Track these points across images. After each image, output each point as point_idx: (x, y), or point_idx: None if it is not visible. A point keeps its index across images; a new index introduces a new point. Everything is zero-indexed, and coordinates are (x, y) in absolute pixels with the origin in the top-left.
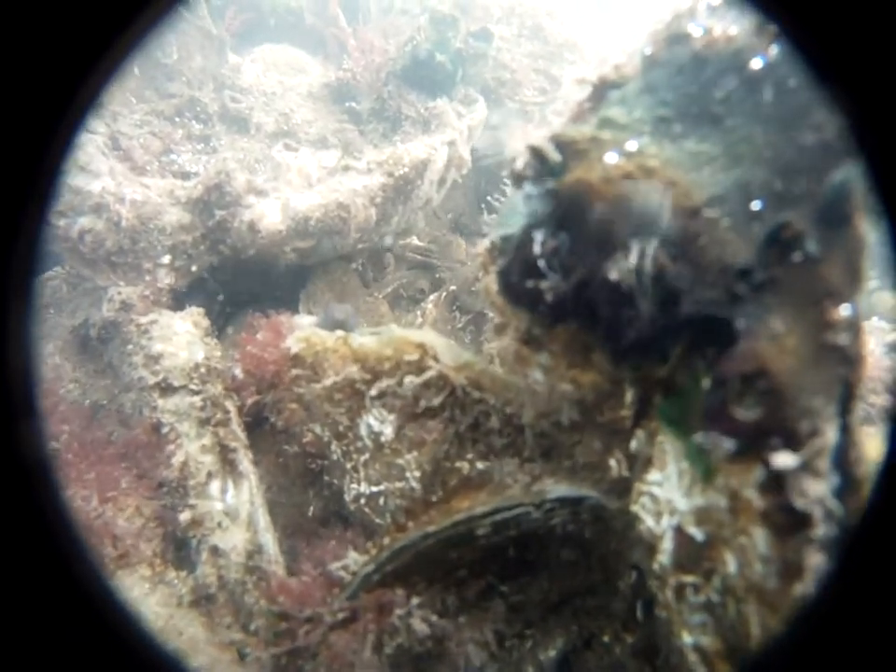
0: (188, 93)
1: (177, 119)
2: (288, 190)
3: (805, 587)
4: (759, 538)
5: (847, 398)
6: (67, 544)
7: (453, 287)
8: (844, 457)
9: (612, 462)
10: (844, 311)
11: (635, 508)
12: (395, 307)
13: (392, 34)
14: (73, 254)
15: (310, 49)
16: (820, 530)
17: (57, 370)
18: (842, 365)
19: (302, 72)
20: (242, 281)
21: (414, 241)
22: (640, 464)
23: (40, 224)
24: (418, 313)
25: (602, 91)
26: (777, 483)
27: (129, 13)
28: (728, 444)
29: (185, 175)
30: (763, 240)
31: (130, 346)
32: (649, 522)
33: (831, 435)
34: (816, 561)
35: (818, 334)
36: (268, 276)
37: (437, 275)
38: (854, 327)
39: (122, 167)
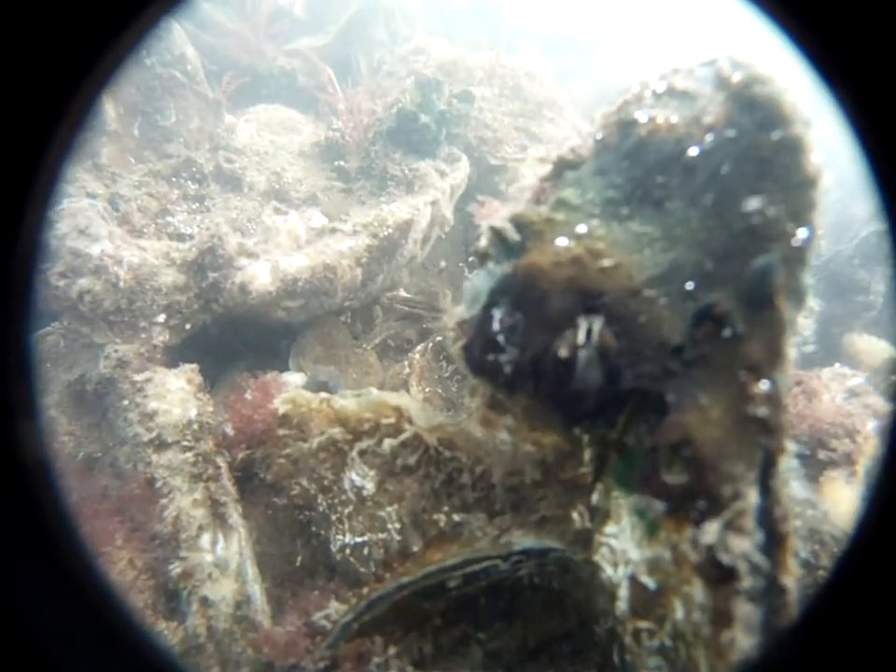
0: (184, 154)
1: (174, 180)
2: (278, 253)
3: (733, 634)
4: (697, 588)
5: (768, 463)
6: (67, 542)
7: (439, 338)
8: (768, 516)
9: (575, 515)
10: (764, 385)
11: (596, 557)
12: (383, 357)
13: (379, 95)
14: (72, 312)
15: (302, 107)
16: (747, 582)
17: (53, 423)
18: (762, 434)
19: (294, 131)
20: (234, 335)
21: (402, 293)
22: (600, 517)
23: (39, 227)
24: (406, 363)
25: (560, 169)
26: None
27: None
28: (659, 506)
29: (180, 237)
30: (692, 319)
31: (125, 402)
32: (608, 571)
33: (752, 498)
34: (744, 610)
35: (740, 407)
36: (259, 331)
37: (424, 325)
38: (774, 400)
39: (121, 230)
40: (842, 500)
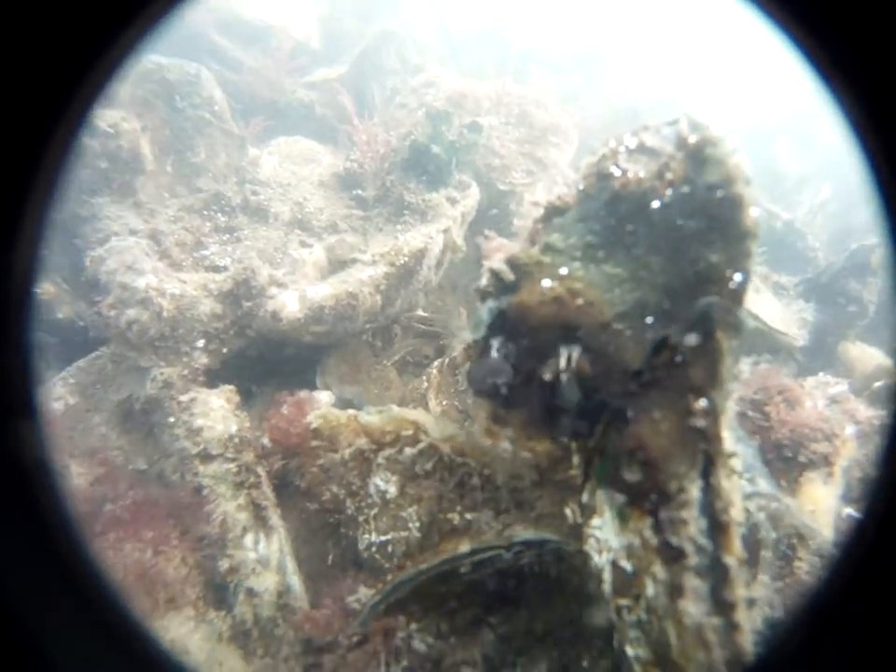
0: (214, 187)
1: (205, 213)
2: (304, 283)
3: (685, 603)
4: (658, 567)
5: (708, 464)
6: (66, 541)
7: (455, 354)
8: (710, 507)
9: (568, 511)
10: (703, 402)
11: (586, 547)
12: (402, 372)
13: (392, 126)
14: (121, 339)
15: (320, 137)
16: (693, 560)
17: (104, 439)
18: (702, 441)
19: (314, 161)
20: (266, 357)
21: (419, 312)
22: (588, 512)
23: (37, 232)
24: (424, 378)
25: (550, 215)
26: (660, 526)
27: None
28: (620, 498)
29: (215, 268)
30: (650, 348)
31: (172, 419)
32: (595, 558)
33: (694, 492)
34: (693, 584)
35: (684, 419)
36: (289, 352)
37: (440, 342)
38: (712, 414)
39: (162, 265)
40: (819, 499)
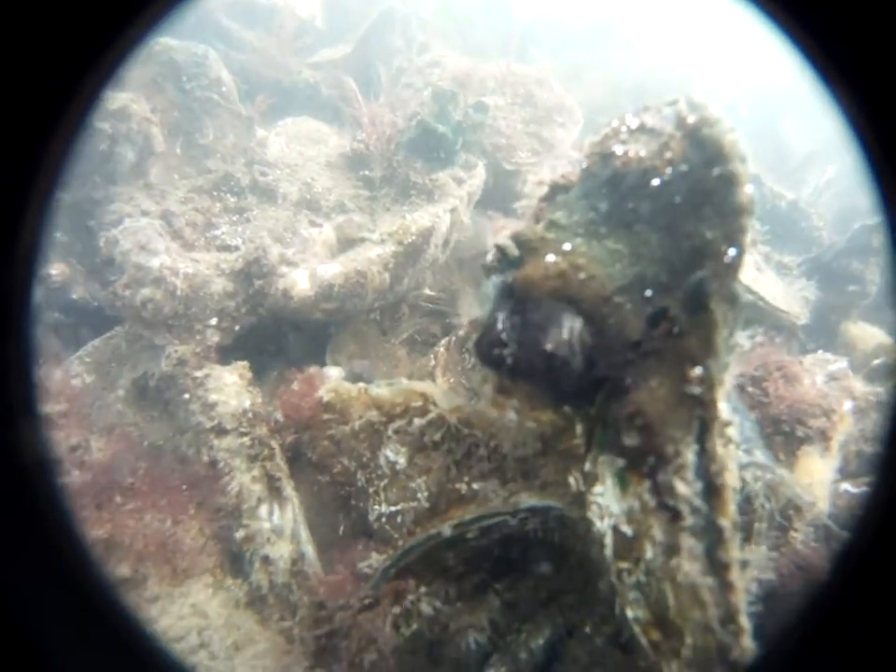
0: (222, 168)
1: (215, 193)
2: (314, 261)
3: (680, 561)
4: (657, 529)
5: (703, 430)
6: (66, 541)
7: (461, 332)
8: (705, 470)
9: (571, 480)
10: (698, 371)
11: (589, 514)
12: (410, 351)
13: (399, 106)
14: (135, 318)
15: (326, 117)
16: (688, 521)
17: (121, 415)
18: (697, 407)
19: (321, 142)
20: (278, 335)
21: (426, 291)
22: (590, 480)
23: (39, 229)
24: (431, 356)
25: (554, 193)
26: (658, 488)
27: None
28: (620, 462)
29: (226, 248)
30: (648, 320)
31: (187, 396)
32: (598, 524)
33: (689, 455)
34: (689, 543)
35: (680, 387)
36: (299, 330)
37: (447, 321)
38: (706, 381)
39: (176, 245)
40: (816, 472)
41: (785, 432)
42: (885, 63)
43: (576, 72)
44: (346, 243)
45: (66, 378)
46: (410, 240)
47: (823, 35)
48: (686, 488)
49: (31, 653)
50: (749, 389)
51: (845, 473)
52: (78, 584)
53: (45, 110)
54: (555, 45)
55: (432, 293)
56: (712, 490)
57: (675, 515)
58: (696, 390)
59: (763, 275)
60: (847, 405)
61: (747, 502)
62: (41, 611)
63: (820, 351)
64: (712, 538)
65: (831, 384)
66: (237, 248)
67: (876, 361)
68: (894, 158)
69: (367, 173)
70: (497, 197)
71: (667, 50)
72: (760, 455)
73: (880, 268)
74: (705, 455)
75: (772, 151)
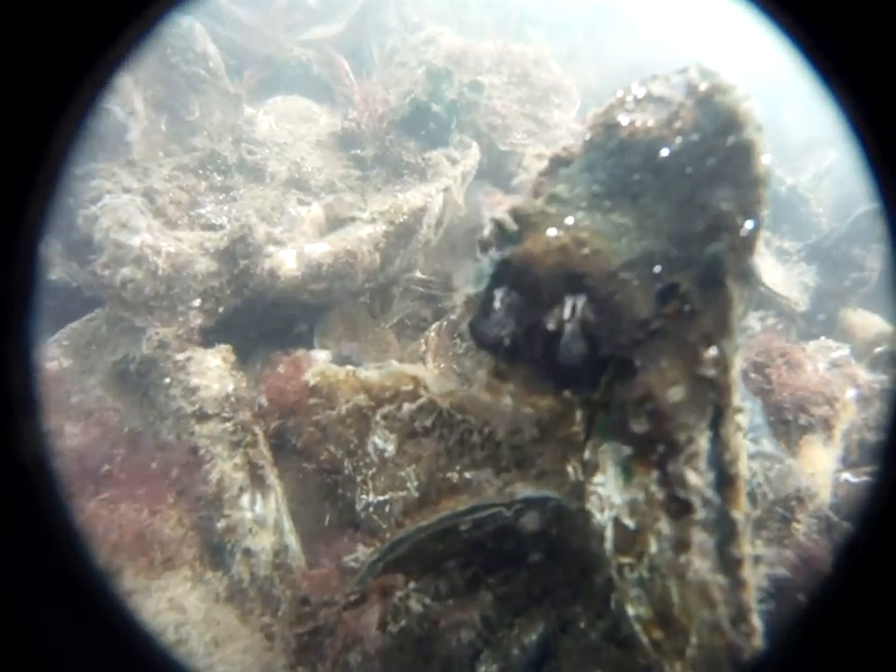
0: (209, 146)
1: (200, 172)
2: (302, 240)
3: (690, 557)
4: (664, 522)
5: (717, 416)
6: (67, 541)
7: (453, 317)
8: (718, 459)
9: (570, 469)
10: (713, 351)
11: (588, 506)
12: (400, 336)
13: (392, 84)
14: (115, 299)
15: (317, 96)
16: (700, 514)
17: (99, 401)
18: (711, 391)
19: (311, 121)
20: (264, 317)
21: (417, 274)
22: (590, 469)
23: (39, 228)
24: (422, 340)
25: (555, 166)
26: (667, 479)
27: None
28: (627, 450)
29: (211, 227)
30: (657, 297)
31: (167, 380)
32: (597, 516)
33: (703, 443)
34: (700, 538)
35: (693, 369)
36: (286, 311)
37: (439, 305)
38: (721, 363)
39: (158, 223)
40: (819, 461)
41: (787, 420)
42: (884, 62)
43: (572, 54)
44: (336, 222)
45: (42, 362)
46: (402, 219)
47: (821, 35)
48: (698, 479)
49: (31, 654)
50: (752, 376)
51: (846, 463)
52: (78, 583)
53: (45, 110)
54: (552, 26)
55: (424, 276)
56: (725, 480)
57: (685, 508)
58: (711, 372)
59: (763, 260)
60: (850, 393)
61: (751, 494)
62: (41, 611)
63: (823, 338)
64: (724, 532)
65: (833, 371)
66: (222, 227)
67: (878, 349)
68: (892, 154)
69: (358, 152)
70: (490, 178)
71: (666, 36)
72: (767, 445)
73: (881, 255)
74: (719, 442)
75: (771, 139)
